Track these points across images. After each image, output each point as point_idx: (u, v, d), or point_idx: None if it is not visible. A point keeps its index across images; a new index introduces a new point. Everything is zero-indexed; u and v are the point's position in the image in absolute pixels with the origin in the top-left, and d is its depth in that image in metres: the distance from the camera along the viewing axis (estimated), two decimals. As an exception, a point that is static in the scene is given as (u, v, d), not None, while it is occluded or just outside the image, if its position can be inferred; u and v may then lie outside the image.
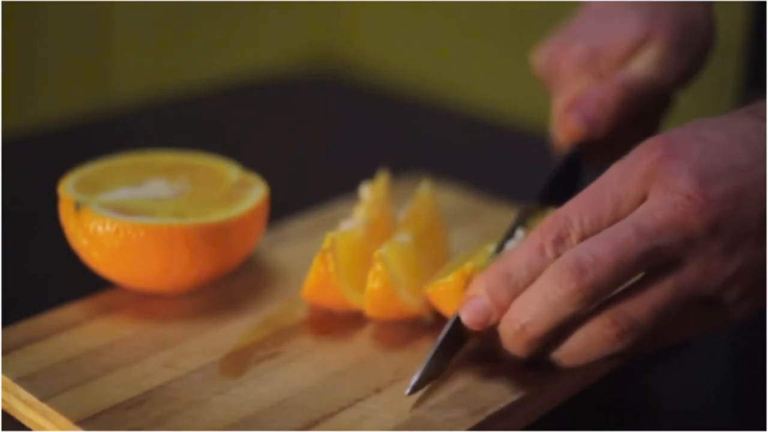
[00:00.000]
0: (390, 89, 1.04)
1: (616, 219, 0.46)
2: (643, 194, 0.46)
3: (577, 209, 0.47)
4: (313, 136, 0.91)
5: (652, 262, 0.46)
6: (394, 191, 0.65)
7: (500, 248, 0.54)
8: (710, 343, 0.59)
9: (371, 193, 0.61)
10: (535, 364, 0.50)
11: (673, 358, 0.57)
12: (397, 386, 0.50)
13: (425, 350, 0.53)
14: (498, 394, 0.50)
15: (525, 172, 0.82)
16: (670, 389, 0.56)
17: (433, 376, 0.50)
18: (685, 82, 0.61)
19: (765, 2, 0.74)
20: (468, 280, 0.50)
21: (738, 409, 0.56)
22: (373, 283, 0.53)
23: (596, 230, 0.47)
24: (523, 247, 0.47)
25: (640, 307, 0.46)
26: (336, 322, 0.56)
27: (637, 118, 0.60)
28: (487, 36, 1.17)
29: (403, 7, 1.22)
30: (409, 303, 0.54)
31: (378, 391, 0.50)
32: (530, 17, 1.12)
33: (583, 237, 0.46)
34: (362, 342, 0.54)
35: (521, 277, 0.47)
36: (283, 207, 0.64)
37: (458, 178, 0.74)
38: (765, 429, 0.52)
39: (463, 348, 0.51)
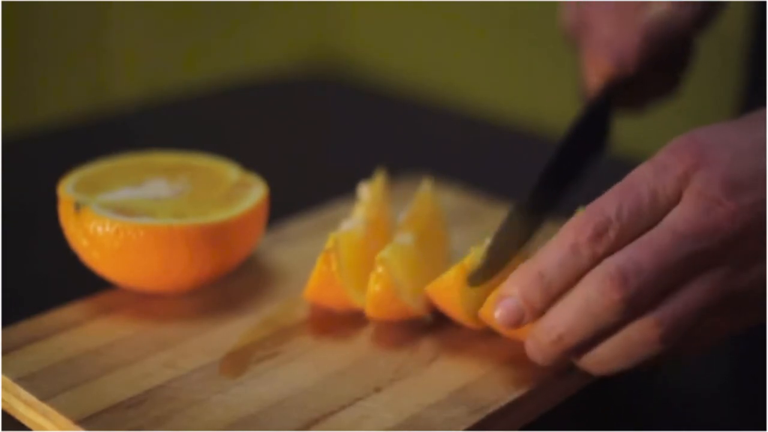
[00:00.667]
0: (390, 89, 1.04)
1: (653, 213, 0.47)
2: (678, 193, 0.47)
3: (614, 201, 0.47)
4: (313, 136, 0.91)
5: (691, 267, 0.46)
6: (394, 192, 0.66)
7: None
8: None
9: (369, 192, 0.61)
10: (536, 363, 0.50)
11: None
12: (397, 385, 0.51)
13: (425, 350, 0.53)
14: (497, 393, 0.50)
15: (525, 172, 0.82)
16: (670, 389, 0.56)
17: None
18: (702, 23, 0.65)
19: (765, 2, 0.74)
20: (466, 274, 0.50)
21: (738, 409, 0.56)
22: (375, 286, 0.53)
23: (635, 225, 0.46)
24: (555, 245, 0.47)
25: (684, 305, 0.46)
26: (336, 322, 0.56)
27: (660, 61, 0.64)
28: (487, 36, 1.17)
29: (402, 7, 1.22)
30: (411, 305, 0.54)
31: (378, 390, 0.50)
32: (530, 17, 1.12)
33: (622, 232, 0.46)
34: (362, 342, 0.54)
35: (554, 278, 0.47)
36: (283, 207, 0.64)
37: (458, 178, 0.74)
38: (765, 429, 0.52)
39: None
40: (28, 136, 0.87)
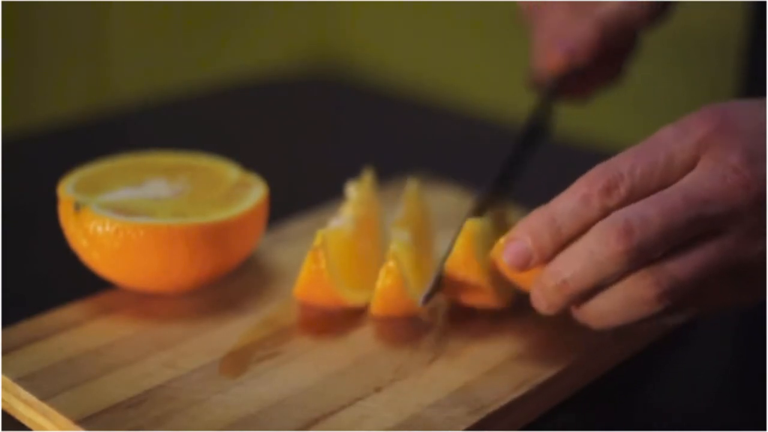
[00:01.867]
0: (390, 89, 1.04)
1: (666, 175, 0.47)
2: (695, 158, 0.47)
3: (628, 160, 0.48)
4: (313, 136, 0.91)
5: (697, 229, 0.46)
6: (389, 192, 0.66)
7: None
8: (711, 340, 0.59)
9: (357, 191, 0.61)
10: (535, 362, 0.51)
11: (673, 357, 0.57)
12: (397, 385, 0.51)
13: (425, 350, 0.53)
14: (498, 393, 0.50)
15: (524, 172, 0.82)
16: (671, 389, 0.56)
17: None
18: (655, 17, 0.65)
19: (765, 2, 0.74)
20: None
21: (738, 408, 0.56)
22: (386, 280, 0.53)
23: (646, 184, 0.47)
24: (569, 194, 0.48)
25: (683, 268, 0.47)
26: (335, 322, 0.56)
27: (608, 54, 0.65)
28: (487, 36, 1.18)
29: (403, 7, 1.23)
30: (415, 300, 0.54)
31: (378, 390, 0.50)
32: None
33: (632, 189, 0.47)
34: (362, 341, 0.54)
35: (564, 224, 0.47)
36: (283, 207, 0.64)
37: (458, 178, 0.74)
38: (765, 429, 0.52)
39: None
40: (28, 136, 0.87)
